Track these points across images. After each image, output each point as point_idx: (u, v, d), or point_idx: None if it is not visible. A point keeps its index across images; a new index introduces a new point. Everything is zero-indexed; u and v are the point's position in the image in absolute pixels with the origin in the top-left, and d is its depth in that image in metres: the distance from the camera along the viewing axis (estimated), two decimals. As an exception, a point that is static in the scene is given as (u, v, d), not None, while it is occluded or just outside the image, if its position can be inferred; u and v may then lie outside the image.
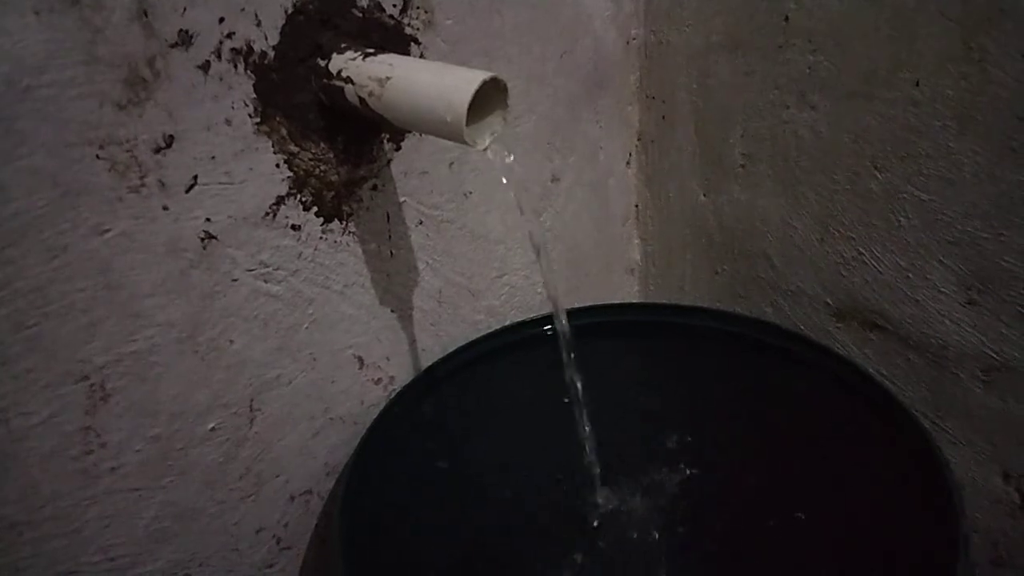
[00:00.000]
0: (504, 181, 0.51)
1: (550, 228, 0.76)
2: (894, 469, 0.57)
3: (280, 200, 0.54)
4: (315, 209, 0.56)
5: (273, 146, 0.52)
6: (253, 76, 0.50)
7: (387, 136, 0.59)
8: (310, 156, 0.54)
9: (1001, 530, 0.65)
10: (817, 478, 0.62)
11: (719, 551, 0.68)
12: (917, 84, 0.58)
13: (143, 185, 0.46)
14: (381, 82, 0.48)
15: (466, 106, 0.44)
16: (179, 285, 0.50)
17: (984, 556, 0.67)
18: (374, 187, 0.59)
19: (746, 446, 0.69)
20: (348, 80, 0.50)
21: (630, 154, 0.82)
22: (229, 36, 0.48)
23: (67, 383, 0.46)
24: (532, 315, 0.73)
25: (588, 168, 0.78)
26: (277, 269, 0.55)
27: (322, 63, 0.51)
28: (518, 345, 0.70)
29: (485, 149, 0.48)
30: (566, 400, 0.61)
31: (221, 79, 0.48)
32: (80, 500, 0.49)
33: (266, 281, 0.55)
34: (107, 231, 0.46)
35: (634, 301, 0.89)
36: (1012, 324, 0.59)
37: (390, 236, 0.62)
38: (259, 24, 0.49)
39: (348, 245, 0.59)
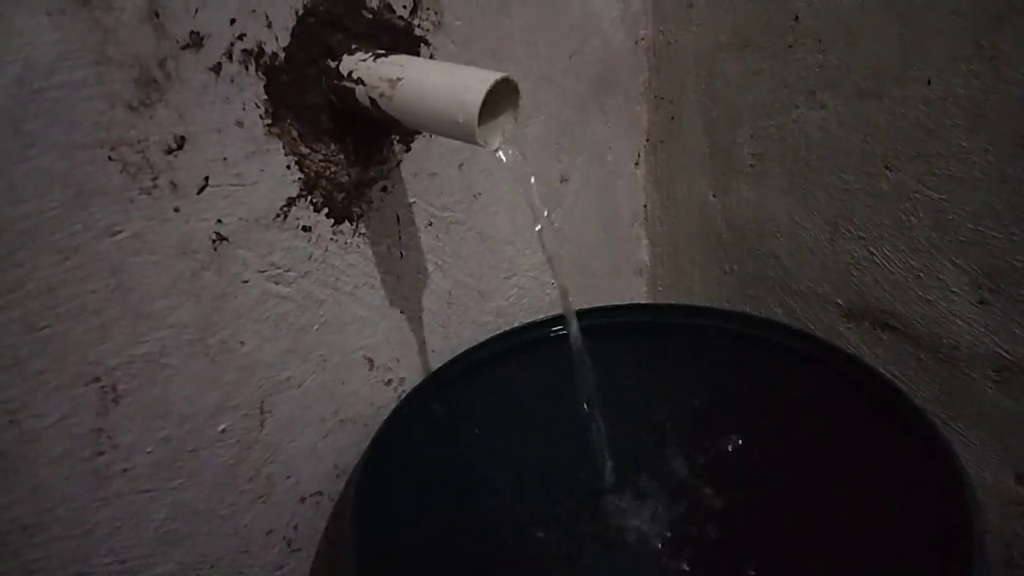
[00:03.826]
0: (526, 181, 0.51)
1: (559, 229, 0.76)
2: (907, 469, 0.57)
3: (291, 201, 0.54)
4: (326, 210, 0.56)
5: (284, 147, 0.52)
6: (264, 78, 0.50)
7: (397, 137, 0.59)
8: (321, 157, 0.54)
9: (1014, 531, 0.65)
10: (829, 477, 0.62)
11: (728, 551, 0.68)
12: (928, 83, 0.57)
13: (155, 186, 0.46)
14: (392, 83, 0.48)
15: (478, 107, 0.44)
16: (190, 287, 0.50)
17: (996, 558, 0.66)
18: (384, 188, 0.59)
19: (757, 446, 0.68)
20: (359, 81, 0.50)
21: (638, 154, 0.82)
22: (240, 38, 0.48)
23: (78, 385, 0.47)
24: (541, 316, 0.73)
25: (596, 169, 0.78)
26: (288, 270, 0.55)
27: (333, 64, 0.51)
28: (527, 346, 0.70)
29: (496, 150, 0.48)
30: (576, 401, 0.61)
31: (232, 80, 0.48)
32: (91, 502, 0.49)
33: (277, 283, 0.55)
34: (119, 232, 0.46)
35: (643, 302, 0.89)
36: (1025, 324, 0.59)
37: (400, 237, 0.62)
38: (270, 26, 0.49)
39: (358, 246, 0.59)
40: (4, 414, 0.44)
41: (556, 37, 0.68)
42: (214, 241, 0.50)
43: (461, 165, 0.65)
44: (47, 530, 0.48)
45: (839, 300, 0.70)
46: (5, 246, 0.41)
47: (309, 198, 0.55)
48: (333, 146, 0.54)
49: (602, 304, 0.73)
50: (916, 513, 0.55)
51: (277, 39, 0.50)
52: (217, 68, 0.47)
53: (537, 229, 0.54)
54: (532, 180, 0.52)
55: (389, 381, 0.65)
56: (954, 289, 0.61)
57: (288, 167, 0.53)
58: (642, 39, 0.76)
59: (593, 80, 0.73)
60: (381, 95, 0.49)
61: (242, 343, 0.54)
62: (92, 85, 0.42)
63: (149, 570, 0.53)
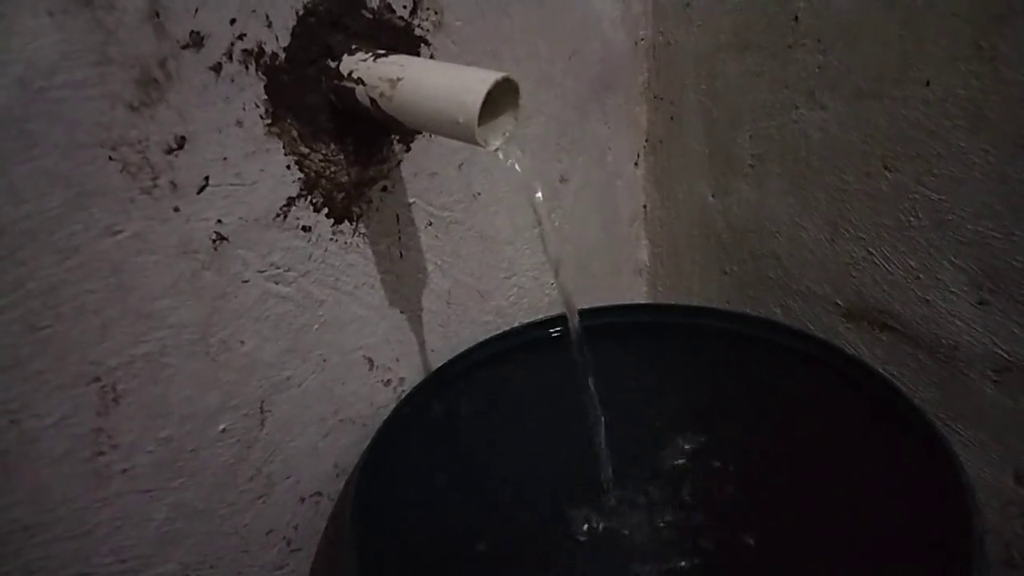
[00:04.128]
0: (526, 181, 0.51)
1: (558, 229, 0.76)
2: (907, 469, 0.57)
3: (291, 201, 0.54)
4: (326, 210, 0.56)
5: (284, 147, 0.52)
6: (264, 77, 0.50)
7: (397, 137, 0.59)
8: (320, 157, 0.54)
9: (1013, 532, 0.65)
10: (829, 477, 0.62)
11: (728, 550, 0.68)
12: (927, 83, 0.57)
13: (155, 186, 0.46)
14: (392, 83, 0.48)
15: (478, 107, 0.44)
16: (190, 286, 0.50)
17: (996, 558, 0.66)
18: (384, 188, 0.59)
19: (756, 447, 0.68)
20: (359, 81, 0.50)
21: (638, 155, 0.82)
22: (240, 37, 0.48)
23: (79, 385, 0.46)
24: (541, 316, 0.73)
25: (596, 169, 0.78)
26: (288, 270, 0.55)
27: (333, 64, 0.51)
28: (527, 346, 0.70)
29: (496, 150, 0.48)
30: (575, 401, 0.61)
31: (232, 80, 0.48)
32: (91, 502, 0.49)
33: (277, 282, 0.55)
34: (119, 232, 0.46)
35: (642, 302, 0.89)
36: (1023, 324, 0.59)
37: (400, 237, 0.62)
38: (270, 25, 0.49)
39: (358, 246, 0.59)
40: (5, 414, 0.44)
41: (556, 38, 0.68)
42: (214, 241, 0.50)
43: (461, 165, 0.65)
44: (48, 530, 0.48)
45: (838, 300, 0.70)
46: (6, 246, 0.41)
47: (309, 198, 0.55)
48: (333, 146, 0.54)
49: (602, 304, 0.73)
50: (916, 513, 0.55)
51: (277, 39, 0.50)
52: (217, 68, 0.47)
53: (537, 229, 0.54)
54: (533, 180, 0.52)
55: (389, 381, 0.65)
56: (953, 289, 0.62)
57: (288, 167, 0.53)
58: (642, 40, 0.76)
59: (593, 80, 0.74)
60: (381, 95, 0.49)
61: (242, 343, 0.54)
62: (93, 85, 0.42)
63: (149, 570, 0.53)
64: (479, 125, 0.44)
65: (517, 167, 0.49)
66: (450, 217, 0.66)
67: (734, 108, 0.72)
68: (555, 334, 0.70)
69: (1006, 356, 0.60)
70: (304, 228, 0.55)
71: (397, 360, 0.66)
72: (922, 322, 0.65)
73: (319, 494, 0.63)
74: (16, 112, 0.40)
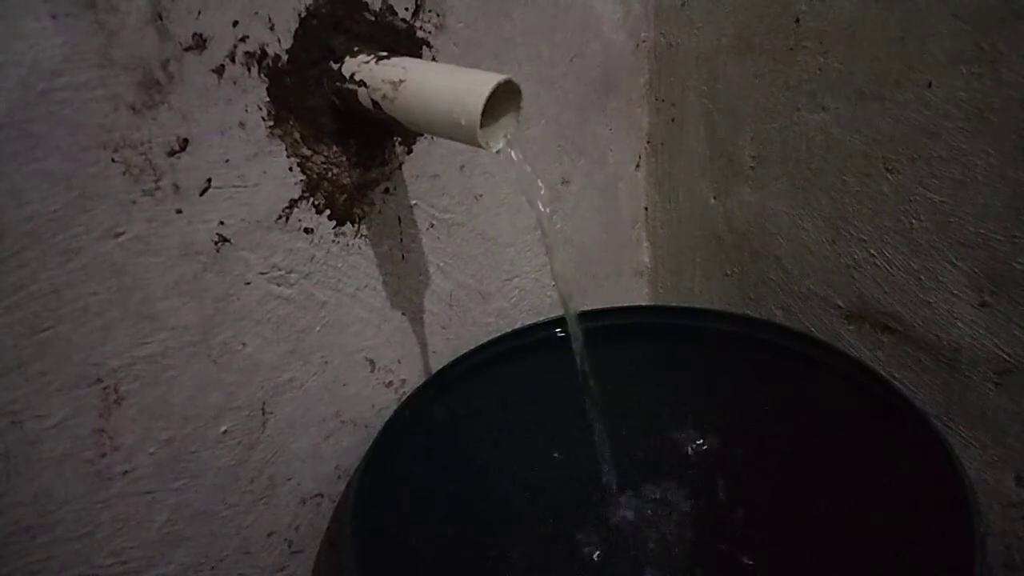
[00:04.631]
0: (528, 183, 0.51)
1: (560, 231, 0.76)
2: (908, 470, 0.57)
3: (293, 203, 0.54)
4: (328, 212, 0.56)
5: (286, 149, 0.52)
6: (266, 80, 0.50)
7: (399, 139, 0.59)
8: (323, 159, 0.54)
9: (1014, 533, 0.65)
10: (829, 480, 0.62)
11: (729, 552, 0.68)
12: (929, 85, 0.57)
13: (157, 188, 0.46)
14: (395, 85, 0.48)
15: (480, 109, 0.44)
16: (192, 288, 0.50)
17: (996, 560, 0.66)
18: (386, 190, 0.59)
19: (757, 447, 0.68)
20: (361, 83, 0.50)
21: (639, 157, 0.82)
22: (243, 40, 0.48)
23: (81, 386, 0.47)
24: (542, 318, 0.73)
25: (597, 171, 0.78)
26: (290, 272, 0.55)
27: (335, 66, 0.51)
28: (528, 348, 0.70)
29: (498, 152, 0.48)
30: (577, 403, 0.61)
31: (235, 82, 0.48)
32: (93, 503, 0.49)
33: (279, 284, 0.55)
34: (121, 234, 0.46)
35: (644, 304, 0.89)
36: (1025, 326, 0.59)
37: (401, 239, 0.62)
38: (272, 28, 0.49)
39: (360, 248, 0.59)
40: (7, 415, 0.44)
41: (557, 40, 0.68)
42: (216, 243, 0.50)
43: (462, 167, 0.65)
44: (50, 531, 0.48)
45: (840, 302, 0.70)
46: (9, 248, 0.42)
47: (311, 200, 0.55)
48: (335, 148, 0.54)
49: (603, 306, 0.73)
50: (916, 515, 0.55)
51: (280, 41, 0.50)
52: (220, 70, 0.47)
53: (539, 232, 0.54)
54: (537, 182, 0.52)
55: (390, 383, 0.66)
56: (955, 291, 0.62)
57: (290, 169, 0.53)
58: (643, 42, 0.76)
59: (594, 83, 0.74)
60: (383, 97, 0.49)
61: (244, 344, 0.54)
62: (96, 87, 0.42)
63: (150, 571, 0.53)
64: (481, 127, 0.45)
65: (512, 165, 0.49)
66: (452, 219, 0.66)
67: (735, 110, 0.72)
68: (556, 336, 0.70)
69: (1007, 358, 0.60)
70: (306, 230, 0.55)
71: (399, 362, 0.66)
72: (923, 324, 0.65)
73: (320, 495, 0.63)
74: (19, 114, 0.40)
